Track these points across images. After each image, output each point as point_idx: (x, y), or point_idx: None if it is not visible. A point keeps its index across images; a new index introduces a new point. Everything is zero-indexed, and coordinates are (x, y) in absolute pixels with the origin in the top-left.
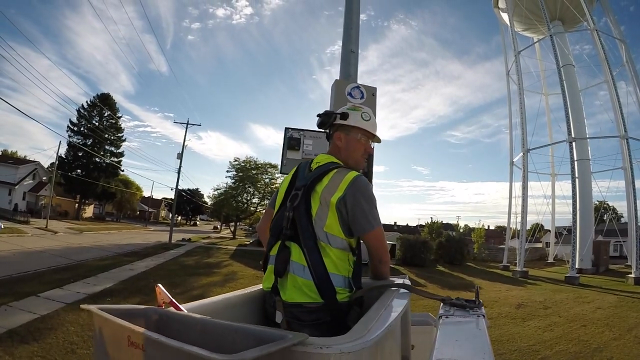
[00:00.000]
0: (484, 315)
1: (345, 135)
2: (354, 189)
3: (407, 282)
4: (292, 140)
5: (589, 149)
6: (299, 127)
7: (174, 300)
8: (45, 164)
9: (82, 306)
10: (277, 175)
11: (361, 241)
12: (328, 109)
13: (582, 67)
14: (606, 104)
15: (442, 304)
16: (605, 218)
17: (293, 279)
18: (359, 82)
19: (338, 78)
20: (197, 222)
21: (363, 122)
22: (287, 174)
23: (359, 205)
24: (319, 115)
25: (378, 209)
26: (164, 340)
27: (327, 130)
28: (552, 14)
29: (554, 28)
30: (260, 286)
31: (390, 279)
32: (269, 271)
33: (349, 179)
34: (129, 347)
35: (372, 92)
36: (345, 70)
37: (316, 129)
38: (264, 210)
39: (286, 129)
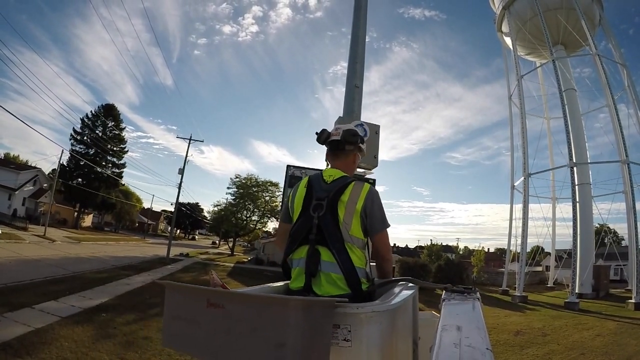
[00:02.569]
0: (479, 299)
1: (357, 155)
2: (371, 197)
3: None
4: (294, 178)
5: (590, 173)
6: (300, 165)
7: (225, 285)
8: (48, 169)
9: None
10: (277, 194)
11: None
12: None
13: (584, 91)
14: (606, 127)
15: (444, 291)
16: (606, 241)
17: (327, 276)
18: (362, 108)
19: (342, 112)
20: (196, 237)
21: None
22: None
23: (375, 209)
24: (350, 132)
25: None
26: (248, 292)
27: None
28: (555, 38)
29: (557, 52)
30: (282, 283)
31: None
32: (297, 273)
33: (366, 189)
34: (209, 308)
35: (375, 129)
36: (349, 106)
37: (317, 166)
38: (263, 228)
39: (288, 166)
